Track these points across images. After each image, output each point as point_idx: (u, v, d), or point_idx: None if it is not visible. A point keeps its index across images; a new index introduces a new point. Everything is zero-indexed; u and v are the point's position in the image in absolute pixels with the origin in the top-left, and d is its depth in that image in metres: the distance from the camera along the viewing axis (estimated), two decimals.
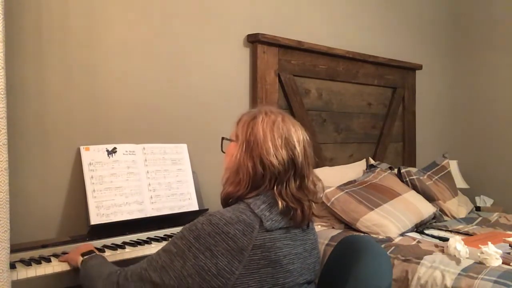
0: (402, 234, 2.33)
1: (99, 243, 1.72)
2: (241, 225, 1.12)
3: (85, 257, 1.46)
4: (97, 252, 1.52)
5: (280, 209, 1.17)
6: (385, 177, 2.77)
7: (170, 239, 1.79)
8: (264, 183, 1.20)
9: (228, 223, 1.12)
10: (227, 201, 1.25)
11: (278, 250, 1.14)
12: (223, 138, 1.37)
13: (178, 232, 1.19)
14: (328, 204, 2.43)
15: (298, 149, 1.22)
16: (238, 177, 1.22)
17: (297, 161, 1.21)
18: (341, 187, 2.55)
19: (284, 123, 1.24)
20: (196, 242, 1.12)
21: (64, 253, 1.62)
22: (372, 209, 2.39)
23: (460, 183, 3.41)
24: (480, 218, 2.81)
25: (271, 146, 1.19)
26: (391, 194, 2.57)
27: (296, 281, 1.18)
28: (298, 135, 1.24)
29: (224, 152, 1.34)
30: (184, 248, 1.13)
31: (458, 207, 2.92)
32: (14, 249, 1.52)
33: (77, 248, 1.58)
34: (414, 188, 2.81)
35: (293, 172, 1.21)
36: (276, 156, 1.19)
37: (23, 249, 1.60)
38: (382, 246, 2.05)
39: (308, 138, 1.28)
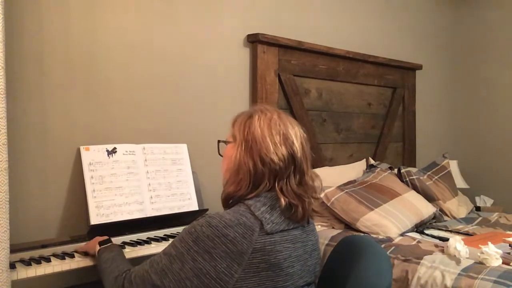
0: (402, 234, 2.33)
1: None
2: (241, 228, 1.11)
3: (101, 246, 1.50)
4: (113, 242, 1.54)
5: (282, 207, 1.16)
6: (385, 177, 2.77)
7: (170, 239, 1.80)
8: (264, 181, 1.19)
9: (228, 226, 1.11)
10: (227, 201, 1.24)
11: (278, 254, 1.13)
12: (219, 141, 1.36)
13: (178, 235, 1.18)
14: (328, 204, 2.43)
15: (297, 144, 1.22)
16: (239, 177, 1.21)
17: (297, 157, 1.21)
18: (341, 187, 2.55)
19: (281, 120, 1.24)
20: (194, 245, 1.11)
21: (64, 253, 1.63)
22: (372, 209, 2.39)
23: (460, 183, 3.41)
24: (480, 218, 2.81)
25: (270, 144, 1.19)
26: (391, 194, 2.57)
27: (296, 283, 1.18)
28: (295, 131, 1.24)
29: (221, 155, 1.33)
30: (183, 251, 1.12)
31: (458, 207, 2.92)
32: (14, 249, 1.53)
33: (96, 238, 1.61)
34: (414, 188, 2.81)
35: (293, 168, 1.21)
36: (276, 153, 1.18)
37: (23, 249, 1.60)
38: (382, 246, 2.05)
39: (304, 134, 1.28)
